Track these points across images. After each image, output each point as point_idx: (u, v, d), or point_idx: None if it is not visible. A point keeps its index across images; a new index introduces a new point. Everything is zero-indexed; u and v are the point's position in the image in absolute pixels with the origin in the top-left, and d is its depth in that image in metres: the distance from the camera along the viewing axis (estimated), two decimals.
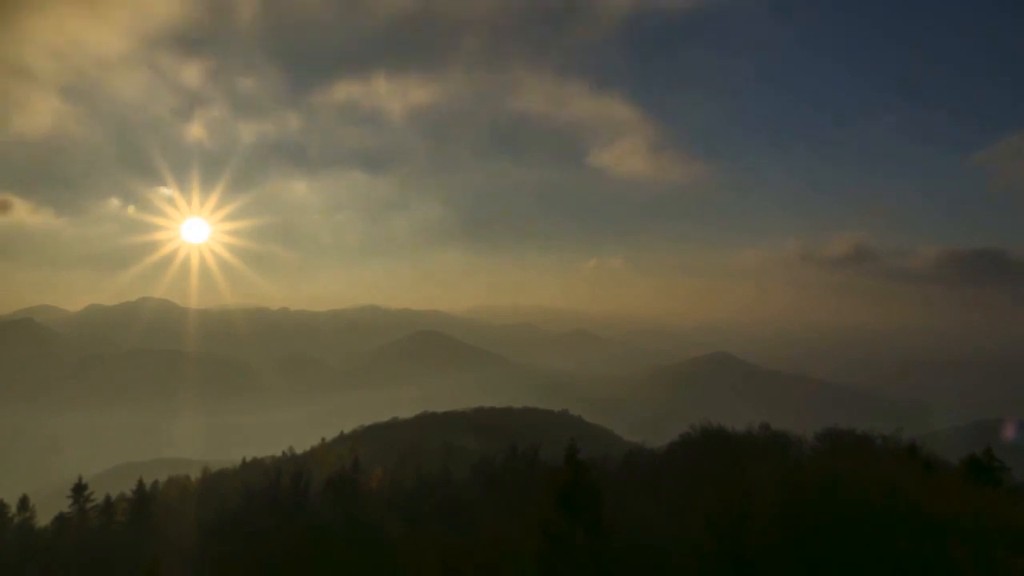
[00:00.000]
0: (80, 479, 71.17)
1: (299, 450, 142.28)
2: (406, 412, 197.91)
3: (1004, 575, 31.03)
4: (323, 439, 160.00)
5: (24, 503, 72.24)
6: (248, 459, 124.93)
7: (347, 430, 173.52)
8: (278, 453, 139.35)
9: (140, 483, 71.13)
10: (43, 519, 72.15)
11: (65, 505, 69.65)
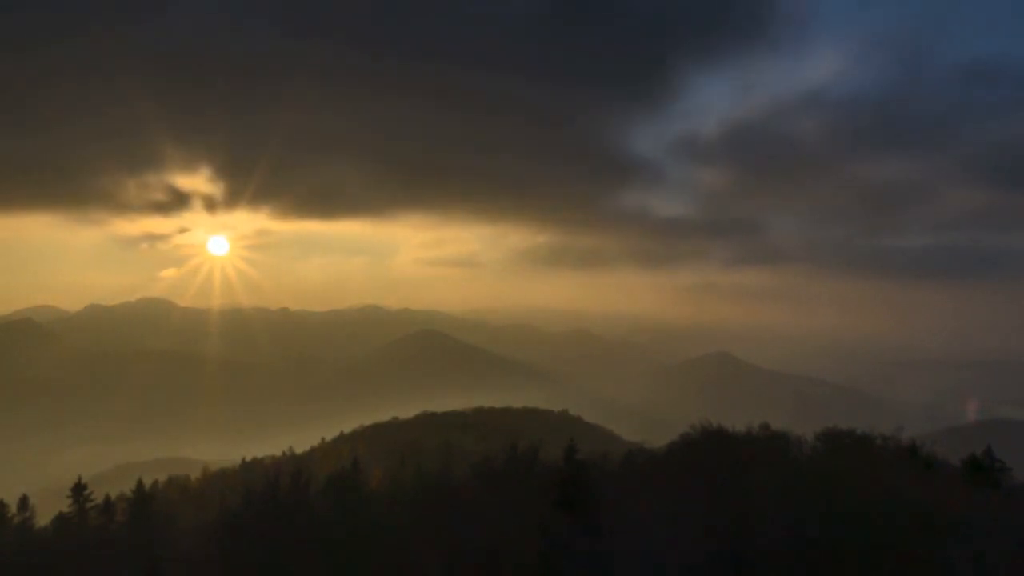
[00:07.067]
0: (80, 479, 71.04)
1: (299, 450, 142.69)
2: (406, 412, 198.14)
3: (1004, 575, 31.05)
4: (323, 439, 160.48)
5: (24, 503, 72.19)
6: (248, 459, 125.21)
7: (347, 430, 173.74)
8: (278, 453, 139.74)
9: (140, 483, 71.06)
10: (43, 519, 72.13)
11: (65, 505, 69.53)
